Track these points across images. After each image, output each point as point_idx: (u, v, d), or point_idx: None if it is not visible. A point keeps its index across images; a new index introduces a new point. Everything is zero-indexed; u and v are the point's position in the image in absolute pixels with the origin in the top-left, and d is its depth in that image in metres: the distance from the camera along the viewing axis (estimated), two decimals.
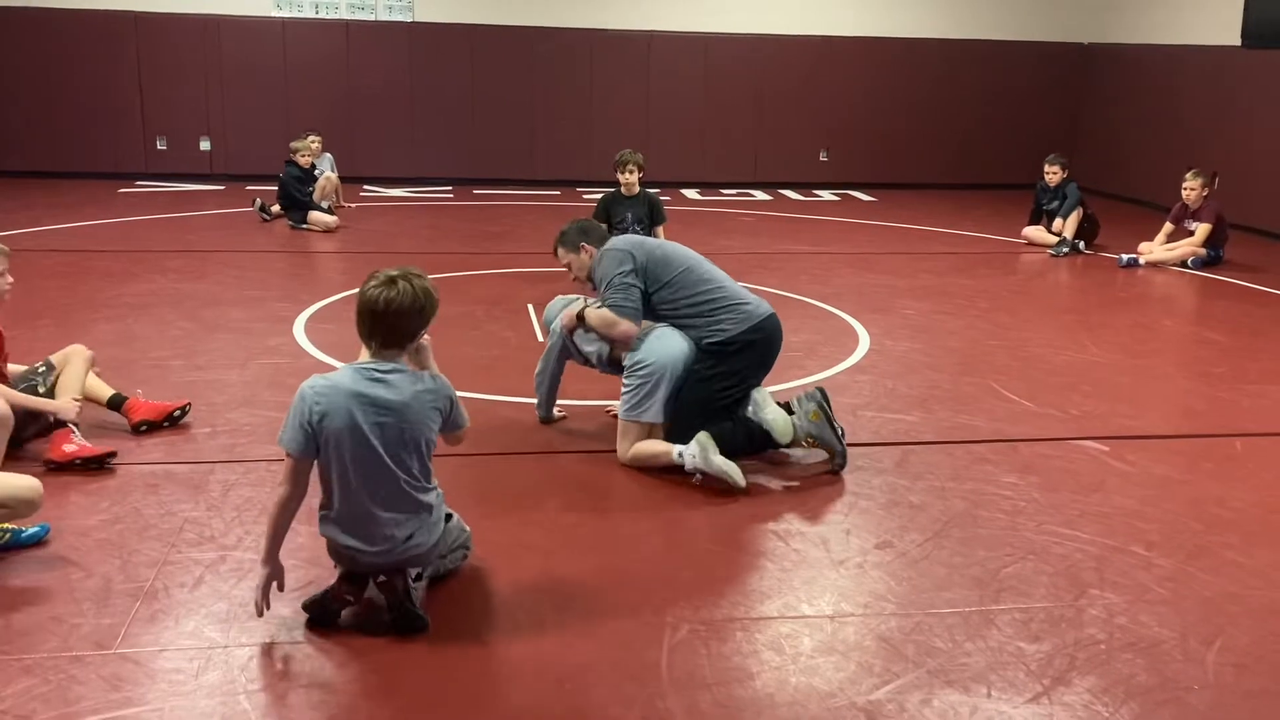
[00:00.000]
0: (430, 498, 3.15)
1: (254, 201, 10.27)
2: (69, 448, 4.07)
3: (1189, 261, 8.91)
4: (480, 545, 3.69)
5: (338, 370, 3.10)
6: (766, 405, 4.34)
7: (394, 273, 3.07)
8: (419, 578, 3.16)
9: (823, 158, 13.56)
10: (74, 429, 4.16)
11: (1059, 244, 9.43)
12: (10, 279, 4.29)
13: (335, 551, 3.14)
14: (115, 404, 4.55)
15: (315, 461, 3.04)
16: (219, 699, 2.77)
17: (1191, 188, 9.00)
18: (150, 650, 2.97)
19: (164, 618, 3.14)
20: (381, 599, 3.14)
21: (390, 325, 3.04)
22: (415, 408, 3.06)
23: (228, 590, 3.29)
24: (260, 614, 3.05)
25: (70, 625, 3.09)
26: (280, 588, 3.11)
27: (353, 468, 3.01)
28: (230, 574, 3.38)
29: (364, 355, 3.15)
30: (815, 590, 3.45)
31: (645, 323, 4.41)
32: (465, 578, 3.43)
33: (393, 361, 3.09)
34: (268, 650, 3.00)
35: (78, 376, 4.43)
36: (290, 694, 2.82)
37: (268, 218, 10.04)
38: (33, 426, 4.25)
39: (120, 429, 4.53)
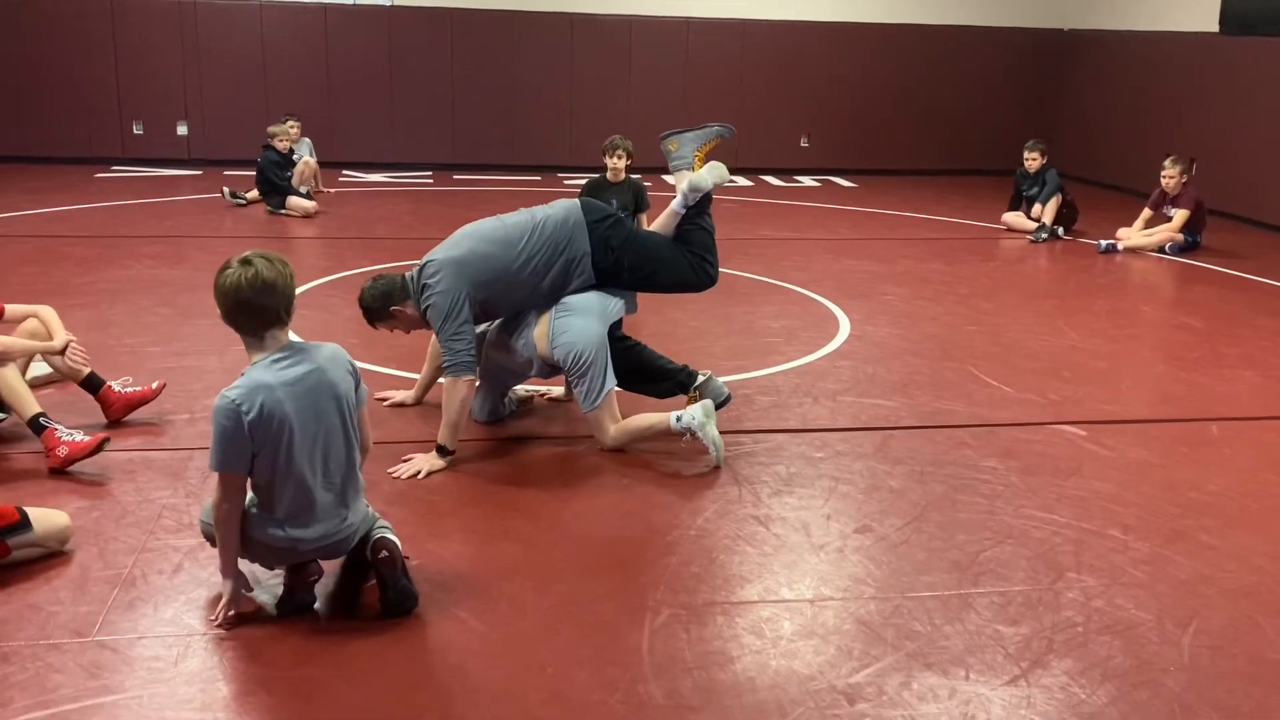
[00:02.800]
0: (361, 475, 3.17)
1: (222, 191, 10.20)
2: (62, 451, 3.98)
3: (1167, 247, 8.97)
4: (461, 532, 3.70)
5: (243, 376, 2.97)
6: (708, 424, 4.25)
7: (244, 255, 2.96)
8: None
9: (804, 144, 13.57)
10: (58, 426, 4.07)
11: (1038, 230, 9.47)
12: None
13: (271, 552, 3.09)
14: (92, 386, 4.49)
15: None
16: (198, 686, 2.76)
17: (1170, 175, 9.05)
18: (129, 638, 2.96)
19: (142, 605, 3.13)
20: (352, 583, 3.17)
21: (263, 305, 2.93)
22: (330, 369, 3.04)
23: (207, 577, 3.27)
24: (231, 627, 3.01)
25: (48, 613, 3.07)
26: (248, 589, 3.10)
27: (306, 454, 2.96)
28: (209, 561, 3.36)
29: (255, 357, 3.00)
30: (795, 574, 3.47)
31: (544, 318, 4.35)
32: (446, 563, 3.42)
33: (286, 346, 3.01)
34: (247, 637, 2.99)
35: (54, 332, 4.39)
36: (270, 680, 2.81)
37: (242, 202, 9.98)
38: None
39: (89, 409, 4.48)
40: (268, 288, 2.92)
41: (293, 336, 3.09)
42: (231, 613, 3.03)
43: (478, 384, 4.41)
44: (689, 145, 4.62)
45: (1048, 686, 2.87)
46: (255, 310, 2.94)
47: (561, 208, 4.47)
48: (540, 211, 4.46)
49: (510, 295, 4.34)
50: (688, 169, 4.60)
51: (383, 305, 4.35)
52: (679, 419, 4.27)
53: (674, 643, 3.03)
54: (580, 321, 4.29)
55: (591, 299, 4.38)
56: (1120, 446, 4.64)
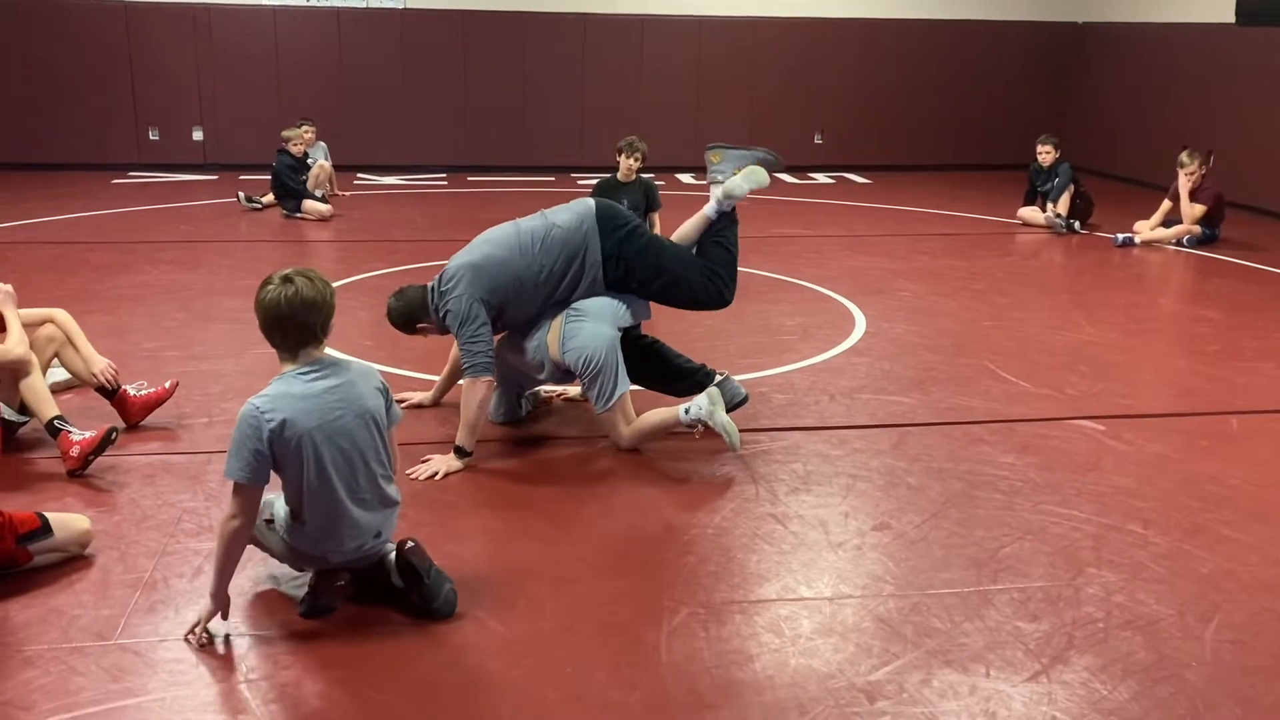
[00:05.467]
0: (394, 490, 3.17)
1: (238, 196, 10.24)
2: (75, 451, 4.03)
3: (1184, 240, 8.92)
4: (478, 533, 3.71)
5: (271, 385, 3.00)
6: (716, 410, 4.25)
7: (285, 273, 2.99)
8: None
9: (817, 140, 13.53)
10: (71, 429, 4.11)
11: (1058, 219, 9.40)
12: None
13: (302, 557, 3.12)
14: (108, 391, 4.52)
15: (280, 479, 2.99)
16: (219, 688, 2.78)
17: (1190, 170, 8.94)
18: (150, 640, 2.98)
19: (163, 608, 3.14)
20: (371, 587, 3.18)
21: (301, 323, 2.96)
22: (361, 390, 3.06)
23: None
24: (200, 646, 2.94)
25: (70, 617, 3.09)
26: (224, 617, 3.02)
27: (333, 469, 2.98)
28: None
29: (285, 368, 3.03)
30: (813, 572, 3.46)
31: (555, 322, 4.33)
32: (465, 564, 3.43)
33: (317, 361, 3.03)
34: (268, 638, 3.01)
35: (80, 345, 4.50)
36: (291, 682, 2.83)
37: (258, 206, 10.02)
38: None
39: (107, 414, 4.50)
40: (306, 306, 2.95)
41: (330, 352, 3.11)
42: (203, 628, 2.95)
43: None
44: (731, 162, 4.50)
45: (1069, 683, 2.86)
46: (292, 327, 2.97)
47: (575, 214, 4.41)
48: (555, 215, 4.43)
49: (527, 302, 4.34)
50: (724, 181, 4.50)
51: (406, 324, 4.47)
52: (687, 411, 4.27)
53: (692, 642, 3.02)
54: (591, 326, 4.29)
55: (603, 303, 4.37)
56: (1139, 441, 4.61)
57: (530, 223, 4.43)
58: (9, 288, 4.36)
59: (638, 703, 2.75)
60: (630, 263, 4.38)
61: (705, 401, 4.25)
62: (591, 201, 4.49)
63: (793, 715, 2.71)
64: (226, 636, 3.01)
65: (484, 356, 4.21)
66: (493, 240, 4.39)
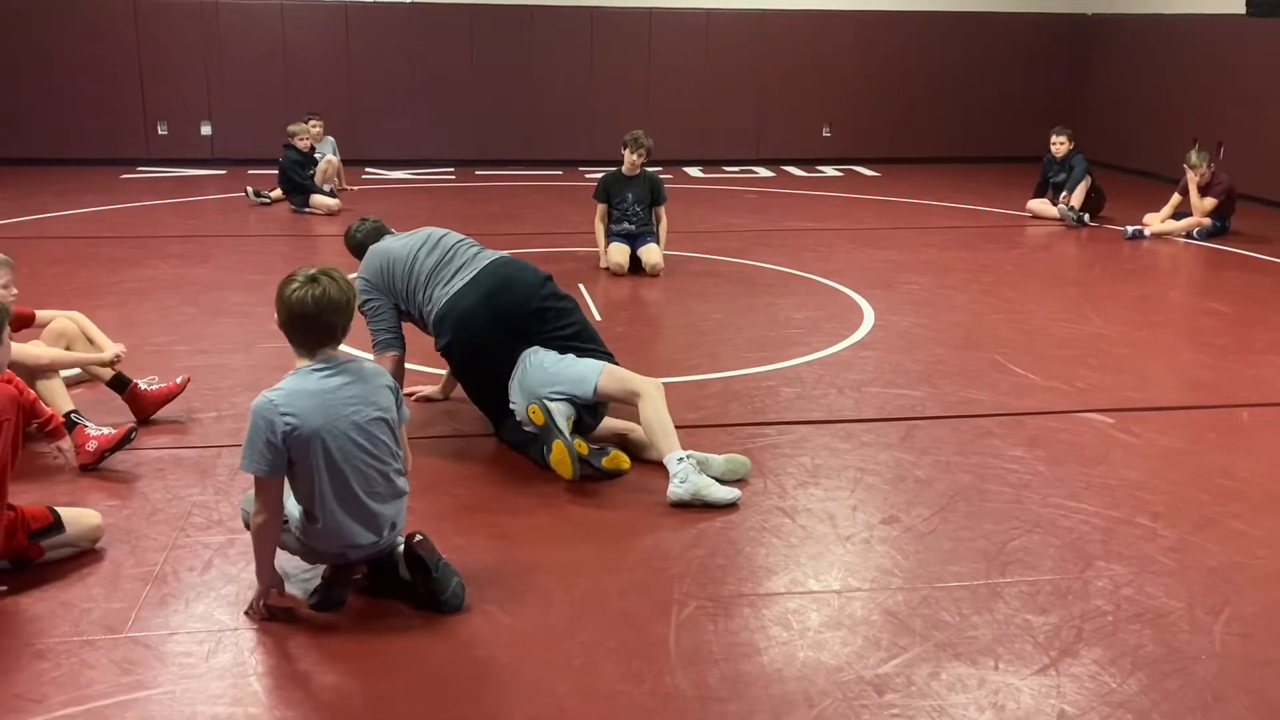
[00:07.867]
0: (402, 482, 3.19)
1: (247, 190, 10.25)
2: (91, 445, 4.05)
3: (1194, 232, 8.89)
4: (487, 527, 3.71)
5: (285, 380, 3.02)
6: (709, 466, 4.00)
7: (311, 272, 3.01)
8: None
9: (826, 133, 13.51)
10: (88, 423, 4.13)
11: (1070, 209, 9.37)
12: (15, 291, 4.31)
13: (320, 555, 3.14)
14: (118, 385, 4.55)
15: (289, 478, 3.01)
16: (229, 681, 2.79)
17: (1200, 171, 8.89)
18: (160, 634, 2.99)
19: (173, 601, 3.16)
20: (380, 580, 3.19)
21: (325, 322, 2.98)
22: (373, 388, 3.08)
23: (237, 574, 3.30)
24: (264, 619, 3.05)
25: (81, 610, 3.10)
26: (280, 593, 3.12)
27: (348, 466, 2.99)
28: (239, 557, 3.39)
29: (300, 364, 3.06)
30: (822, 566, 3.46)
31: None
32: (474, 558, 3.43)
33: (333, 359, 3.05)
34: (278, 632, 3.02)
35: (93, 337, 4.59)
36: (301, 674, 2.84)
37: (266, 201, 10.03)
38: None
39: (119, 409, 4.52)
40: (332, 307, 2.97)
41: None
42: (263, 604, 3.06)
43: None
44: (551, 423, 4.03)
45: (1077, 675, 2.86)
46: (314, 327, 2.99)
47: (486, 254, 4.46)
48: (466, 251, 4.47)
49: (405, 287, 4.41)
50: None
51: (355, 250, 4.80)
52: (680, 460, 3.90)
53: (700, 635, 3.03)
54: (525, 380, 4.21)
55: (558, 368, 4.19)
56: (1148, 434, 4.60)
57: (449, 239, 4.57)
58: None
59: (646, 695, 2.75)
60: (450, 339, 4.28)
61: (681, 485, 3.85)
62: (499, 269, 4.39)
63: (801, 708, 2.71)
64: (277, 608, 3.09)
65: (384, 334, 4.38)
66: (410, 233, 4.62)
